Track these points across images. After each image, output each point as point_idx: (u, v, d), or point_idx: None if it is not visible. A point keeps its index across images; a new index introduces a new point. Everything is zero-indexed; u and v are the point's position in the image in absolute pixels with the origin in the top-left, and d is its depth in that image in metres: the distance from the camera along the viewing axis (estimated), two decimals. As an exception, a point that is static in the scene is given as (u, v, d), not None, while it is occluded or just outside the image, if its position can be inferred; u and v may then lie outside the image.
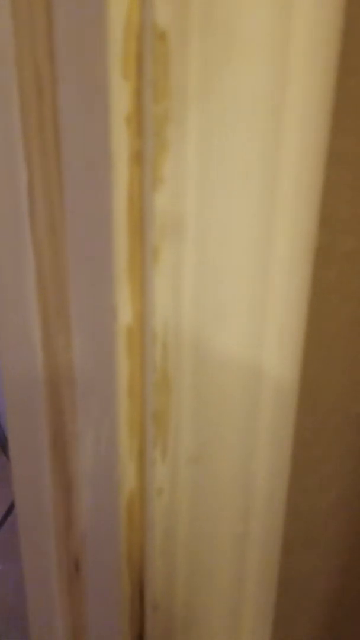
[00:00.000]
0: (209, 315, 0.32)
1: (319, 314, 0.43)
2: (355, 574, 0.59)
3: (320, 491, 0.53)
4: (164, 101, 0.27)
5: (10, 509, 1.26)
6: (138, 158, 0.29)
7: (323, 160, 0.33)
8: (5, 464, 1.36)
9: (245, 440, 0.38)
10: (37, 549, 0.53)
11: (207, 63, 0.26)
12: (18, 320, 0.43)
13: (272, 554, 0.46)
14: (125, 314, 0.33)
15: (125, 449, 0.37)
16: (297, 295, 0.36)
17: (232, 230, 0.31)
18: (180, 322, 0.32)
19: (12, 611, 1.07)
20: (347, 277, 0.42)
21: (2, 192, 0.38)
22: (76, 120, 0.30)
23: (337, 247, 0.41)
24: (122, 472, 0.38)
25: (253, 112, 0.28)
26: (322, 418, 0.49)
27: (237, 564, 0.43)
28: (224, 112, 0.28)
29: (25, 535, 0.54)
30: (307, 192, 0.33)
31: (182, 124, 0.28)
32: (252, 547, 0.44)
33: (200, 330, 0.33)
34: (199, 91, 0.27)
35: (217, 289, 0.32)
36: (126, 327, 0.33)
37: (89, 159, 0.30)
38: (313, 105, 0.30)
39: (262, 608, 0.46)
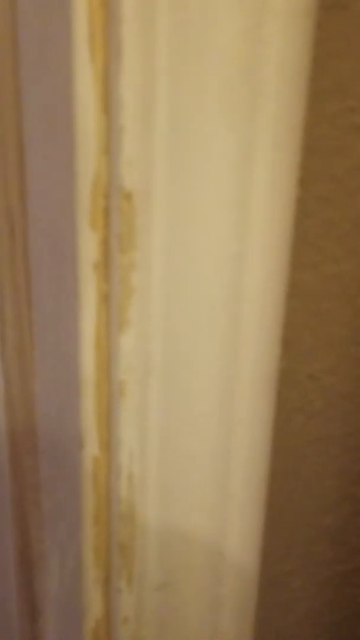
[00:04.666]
0: (174, 449, 0.33)
1: (285, 432, 0.44)
2: None
3: (290, 605, 0.53)
4: (129, 252, 0.28)
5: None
6: (105, 300, 0.30)
7: (283, 291, 0.35)
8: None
9: (212, 568, 0.37)
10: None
11: (170, 220, 0.28)
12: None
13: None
14: (91, 445, 0.33)
15: (90, 577, 0.37)
16: (262, 415, 0.37)
17: (196, 368, 0.32)
18: (146, 454, 0.33)
19: None
20: (310, 396, 0.43)
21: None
22: (45, 261, 0.31)
23: (300, 369, 0.42)
24: (87, 600, 0.37)
25: (214, 263, 0.30)
26: (291, 532, 0.49)
27: None
28: (186, 262, 0.29)
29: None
30: (269, 321, 0.34)
31: (147, 272, 0.29)
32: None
33: (165, 463, 0.33)
34: (163, 243, 0.28)
35: (182, 422, 0.33)
36: (92, 458, 0.34)
37: (58, 299, 0.31)
38: (272, 252, 0.32)
39: None
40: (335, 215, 0.37)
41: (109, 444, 0.33)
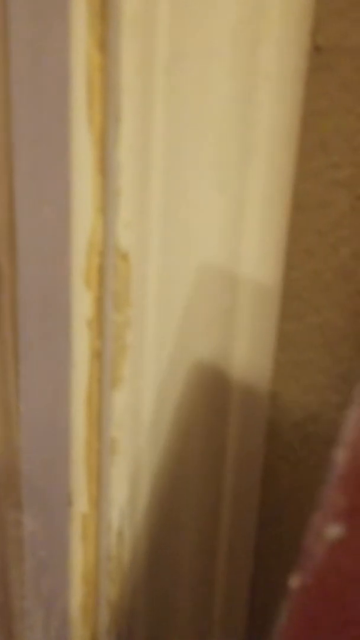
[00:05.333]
0: (165, 506, 0.33)
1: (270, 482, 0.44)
2: None
3: None
4: (125, 310, 0.28)
5: None
6: (98, 357, 0.30)
7: (272, 344, 0.35)
8: None
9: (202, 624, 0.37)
10: None
11: (163, 278, 0.28)
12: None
13: None
14: (81, 502, 0.33)
15: (78, 636, 0.36)
16: (252, 465, 0.37)
17: (186, 424, 0.32)
18: (137, 512, 0.32)
19: None
20: (295, 445, 0.44)
21: None
22: (35, 316, 0.31)
23: (285, 419, 0.42)
24: (73, 660, 0.36)
25: (204, 320, 0.30)
26: (277, 579, 0.49)
27: None
28: (178, 320, 0.29)
29: None
30: (257, 375, 0.35)
31: (141, 329, 0.29)
32: None
33: (156, 519, 0.33)
34: (156, 301, 0.29)
35: (172, 477, 0.33)
36: (81, 514, 0.33)
37: (48, 354, 0.31)
38: (262, 306, 0.32)
39: None
40: (319, 267, 0.37)
41: (98, 500, 0.33)
